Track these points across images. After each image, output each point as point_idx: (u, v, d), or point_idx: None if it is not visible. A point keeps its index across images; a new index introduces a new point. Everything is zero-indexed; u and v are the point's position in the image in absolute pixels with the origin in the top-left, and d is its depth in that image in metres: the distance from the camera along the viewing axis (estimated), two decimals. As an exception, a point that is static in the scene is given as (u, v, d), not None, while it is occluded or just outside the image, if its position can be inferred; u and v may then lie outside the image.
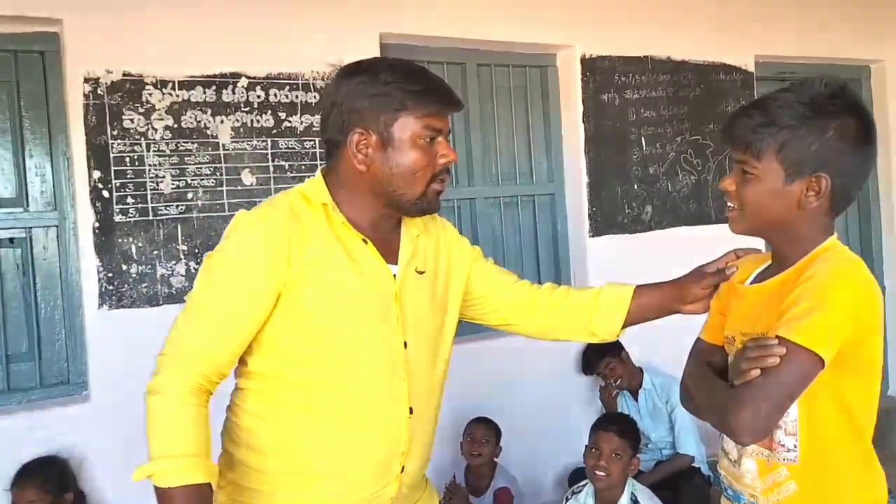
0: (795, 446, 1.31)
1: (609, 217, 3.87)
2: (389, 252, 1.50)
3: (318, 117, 3.14)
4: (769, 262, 1.46)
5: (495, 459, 3.25)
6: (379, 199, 1.47)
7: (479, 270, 1.71)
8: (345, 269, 1.43)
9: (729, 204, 1.42)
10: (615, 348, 3.50)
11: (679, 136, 4.10)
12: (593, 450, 2.75)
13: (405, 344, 1.48)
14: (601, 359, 3.54)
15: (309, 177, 3.02)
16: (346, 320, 1.43)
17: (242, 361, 1.48)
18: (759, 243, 1.54)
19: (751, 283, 1.46)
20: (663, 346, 3.83)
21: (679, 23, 4.08)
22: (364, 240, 1.47)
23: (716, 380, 1.39)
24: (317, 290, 1.41)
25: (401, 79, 1.42)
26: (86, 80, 2.78)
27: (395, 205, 1.48)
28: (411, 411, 1.49)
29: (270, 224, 1.41)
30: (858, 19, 4.71)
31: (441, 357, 1.59)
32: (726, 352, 1.48)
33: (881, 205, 4.92)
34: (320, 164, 3.13)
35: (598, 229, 3.84)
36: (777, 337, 1.23)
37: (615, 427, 2.79)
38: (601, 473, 2.68)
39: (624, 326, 1.70)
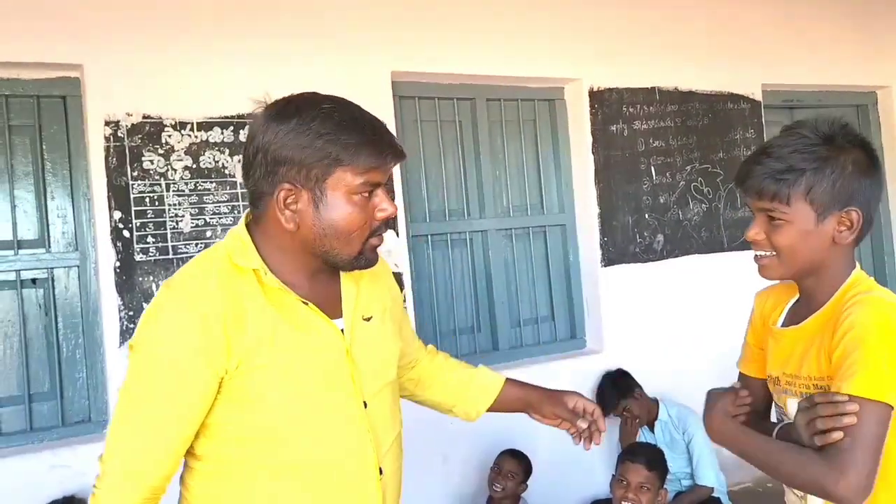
0: None
1: (621, 247, 3.89)
2: (332, 304, 1.38)
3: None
4: (797, 296, 1.49)
5: (522, 495, 3.23)
6: (311, 257, 1.34)
7: (404, 325, 1.64)
8: (288, 340, 1.31)
9: (760, 253, 1.43)
10: (629, 388, 3.50)
11: (689, 165, 4.14)
12: (621, 481, 2.73)
13: (364, 404, 1.38)
14: (617, 402, 3.51)
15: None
16: (298, 394, 1.32)
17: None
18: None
19: (783, 324, 1.49)
20: (675, 373, 3.84)
21: (685, 53, 4.14)
22: (304, 302, 1.34)
23: (794, 449, 1.34)
24: (261, 370, 1.29)
25: (334, 129, 1.26)
26: (106, 123, 2.85)
27: (329, 263, 1.35)
28: (381, 472, 1.40)
29: (203, 310, 1.25)
30: (864, 45, 4.77)
31: (398, 404, 1.52)
32: (766, 386, 1.52)
33: (893, 232, 4.92)
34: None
35: (610, 259, 3.86)
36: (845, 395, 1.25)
37: (643, 459, 2.78)
38: None
39: (486, 411, 1.72)
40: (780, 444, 1.37)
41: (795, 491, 1.44)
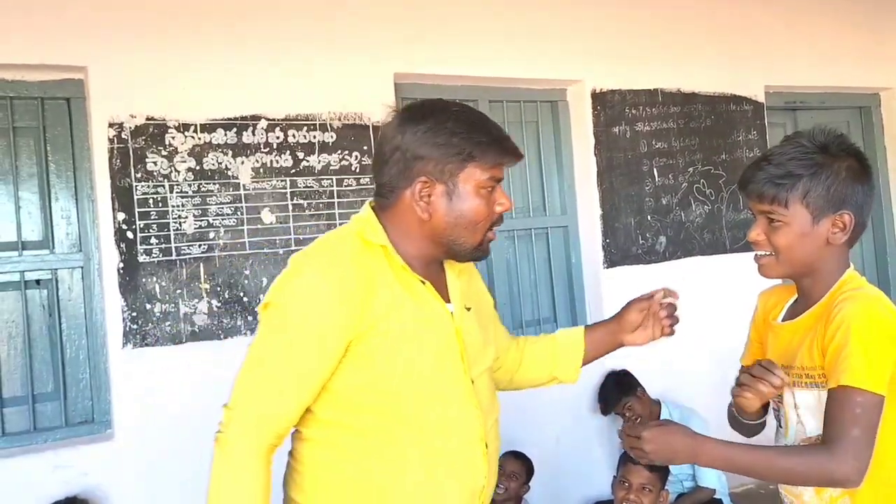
0: None
1: (623, 248, 3.90)
2: (440, 290, 1.51)
3: (335, 156, 3.20)
4: (796, 295, 1.59)
5: (524, 496, 3.23)
6: (435, 245, 1.48)
7: (496, 319, 1.73)
8: (410, 314, 1.42)
9: (760, 252, 1.53)
10: (632, 387, 3.51)
11: (691, 166, 4.14)
12: (623, 482, 2.74)
13: (472, 381, 1.50)
14: (619, 400, 3.53)
15: (329, 214, 3.06)
16: (417, 363, 1.42)
17: (307, 409, 1.45)
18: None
19: (783, 320, 1.59)
20: (679, 374, 3.84)
21: (688, 55, 4.14)
22: (422, 281, 1.47)
23: (792, 451, 1.45)
24: (386, 338, 1.40)
25: (467, 129, 1.42)
26: (110, 125, 2.86)
27: (451, 252, 1.49)
28: (486, 446, 1.50)
29: (340, 274, 1.38)
30: (867, 47, 4.76)
31: (495, 390, 1.63)
32: None
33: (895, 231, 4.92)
34: (337, 202, 3.19)
35: (612, 261, 3.86)
36: (841, 386, 1.36)
37: None
38: None
39: (581, 366, 1.78)
40: (776, 449, 1.47)
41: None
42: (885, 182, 4.83)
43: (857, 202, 1.47)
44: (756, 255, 1.54)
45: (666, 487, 2.80)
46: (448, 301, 1.51)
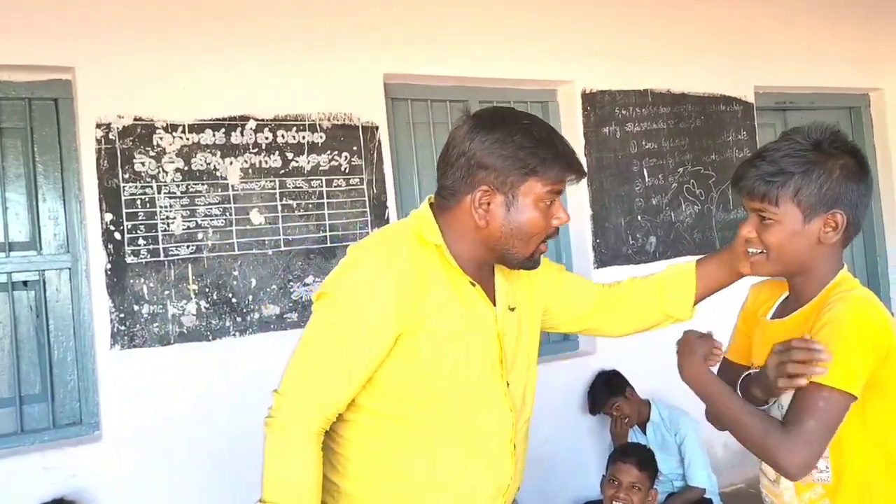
0: (827, 468, 1.41)
1: (613, 248, 3.90)
2: (488, 292, 1.55)
3: (324, 157, 3.20)
4: (787, 293, 1.58)
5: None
6: (488, 251, 1.51)
7: (558, 287, 1.74)
8: (457, 314, 1.47)
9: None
10: (620, 387, 3.51)
11: (681, 167, 4.15)
12: (612, 481, 2.74)
13: (507, 384, 1.54)
14: (607, 399, 3.54)
15: (318, 215, 3.06)
16: (460, 362, 1.47)
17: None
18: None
19: (772, 317, 1.58)
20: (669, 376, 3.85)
21: (678, 56, 4.15)
22: (472, 283, 1.51)
23: (760, 416, 1.42)
24: (433, 337, 1.44)
25: (534, 143, 1.44)
26: (98, 126, 2.85)
27: (503, 259, 1.52)
28: (515, 447, 1.55)
29: (398, 269, 1.42)
30: (856, 48, 4.79)
31: (530, 390, 1.64)
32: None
33: (886, 234, 4.94)
34: (327, 203, 3.18)
35: (602, 261, 3.87)
36: (812, 383, 1.33)
37: (634, 459, 2.79)
38: None
39: (696, 302, 1.76)
40: (749, 406, 1.44)
41: (769, 475, 1.51)
42: (874, 182, 4.85)
43: (851, 201, 1.44)
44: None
45: (655, 486, 2.80)
46: (495, 304, 1.55)
